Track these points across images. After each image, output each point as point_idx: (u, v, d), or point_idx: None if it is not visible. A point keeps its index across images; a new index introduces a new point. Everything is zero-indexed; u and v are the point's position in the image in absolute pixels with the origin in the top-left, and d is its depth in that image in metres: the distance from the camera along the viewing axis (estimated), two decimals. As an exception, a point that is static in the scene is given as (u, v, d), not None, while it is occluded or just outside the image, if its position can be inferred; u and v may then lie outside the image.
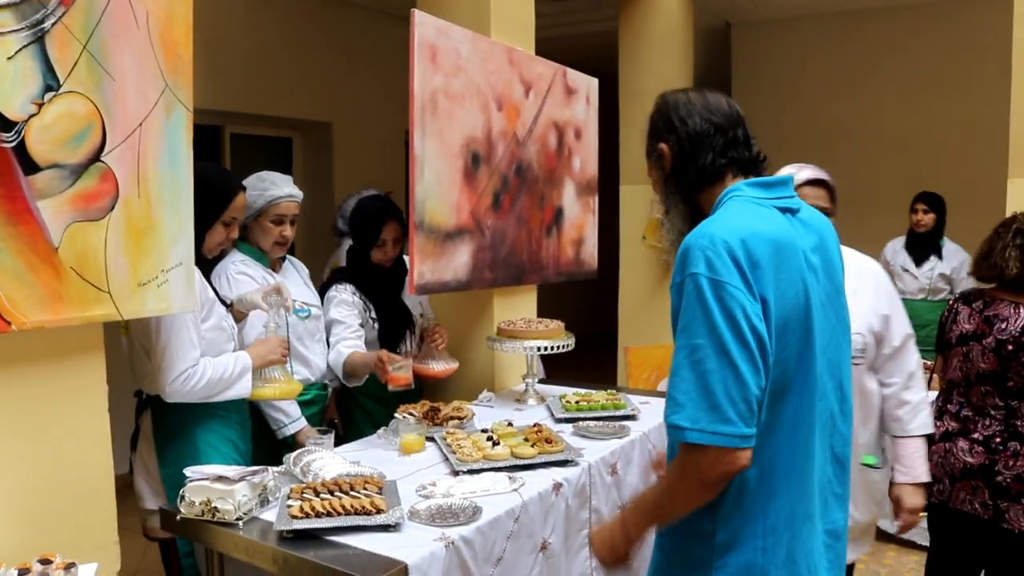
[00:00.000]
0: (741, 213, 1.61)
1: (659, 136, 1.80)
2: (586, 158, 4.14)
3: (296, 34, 6.56)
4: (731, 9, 7.92)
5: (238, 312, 2.81)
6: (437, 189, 3.08)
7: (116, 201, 2.00)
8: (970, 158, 6.99)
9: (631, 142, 6.17)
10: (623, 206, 6.30)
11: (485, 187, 3.36)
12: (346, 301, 3.25)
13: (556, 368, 4.40)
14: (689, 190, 1.78)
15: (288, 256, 3.21)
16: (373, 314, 3.29)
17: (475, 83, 3.28)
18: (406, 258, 3.30)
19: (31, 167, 1.82)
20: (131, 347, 2.57)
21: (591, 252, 4.28)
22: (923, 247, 5.25)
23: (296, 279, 3.17)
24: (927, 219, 5.20)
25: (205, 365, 2.48)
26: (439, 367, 3.33)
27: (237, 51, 6.06)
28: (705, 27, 7.78)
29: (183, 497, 2.12)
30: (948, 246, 5.21)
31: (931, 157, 7.26)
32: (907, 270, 5.31)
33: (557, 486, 2.42)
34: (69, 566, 1.71)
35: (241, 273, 2.93)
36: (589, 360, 5.89)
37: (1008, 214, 4.65)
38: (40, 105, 1.83)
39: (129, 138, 2.03)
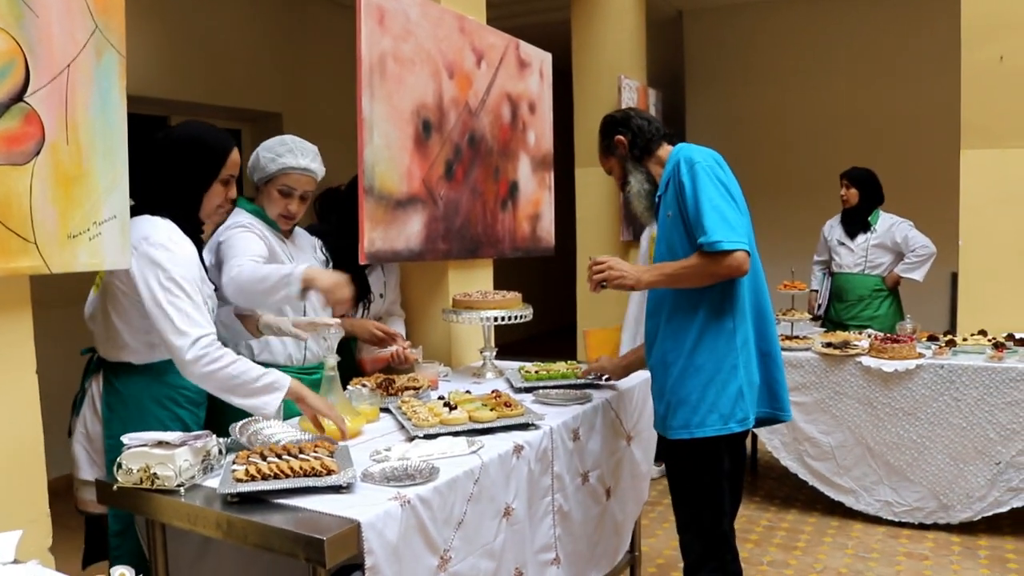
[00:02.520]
0: (700, 149, 2.55)
1: (611, 134, 2.73)
2: (541, 132, 4.07)
3: (246, 23, 6.43)
4: (682, -3, 7.95)
5: (253, 328, 2.66)
6: (387, 154, 2.98)
7: (42, 146, 1.88)
8: (922, 136, 7.07)
9: (586, 127, 6.12)
10: (579, 189, 6.24)
11: (437, 156, 3.26)
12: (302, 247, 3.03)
13: (516, 356, 4.32)
14: (643, 157, 2.69)
15: (299, 227, 3.02)
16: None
17: (425, 49, 3.19)
18: None
19: (-56, 103, 1.70)
20: (101, 305, 2.38)
21: (548, 228, 4.21)
22: (853, 222, 5.30)
23: (307, 247, 3.00)
24: (850, 195, 5.24)
25: (230, 353, 2.26)
26: (369, 361, 3.32)
27: (184, 40, 5.91)
28: (657, 16, 7.77)
29: (120, 465, 1.98)
30: (883, 219, 5.23)
31: (883, 137, 7.34)
32: (843, 243, 5.35)
33: (518, 448, 2.33)
34: (-13, 529, 1.58)
35: (242, 228, 2.70)
36: (548, 350, 5.83)
37: (962, 184, 4.70)
38: (-46, 38, 1.71)
39: (55, 80, 1.90)
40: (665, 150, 2.68)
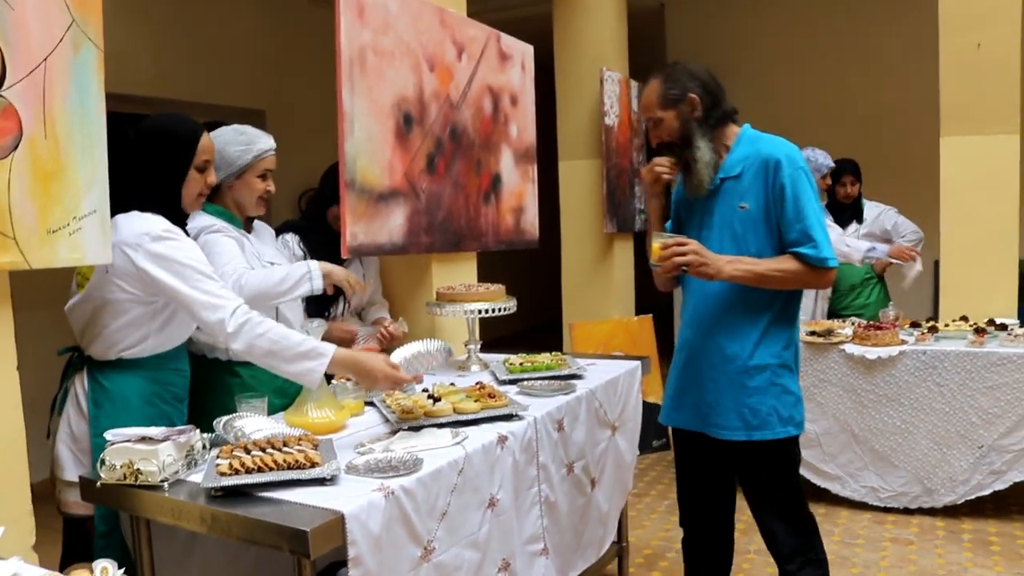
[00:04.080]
0: (791, 145, 2.48)
1: (684, 88, 2.46)
2: (523, 125, 4.07)
3: (228, 20, 6.40)
4: (665, -11, 7.95)
5: None
6: (368, 148, 2.98)
7: (20, 140, 1.87)
8: (904, 124, 7.09)
9: (569, 119, 6.13)
10: (563, 182, 6.25)
11: (419, 149, 3.26)
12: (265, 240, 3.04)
13: (500, 349, 4.32)
14: (713, 129, 2.49)
15: (257, 220, 3.01)
16: None
17: (405, 42, 3.18)
18: None
19: (-81, 99, 1.69)
20: (90, 305, 2.36)
21: (531, 221, 4.21)
22: (845, 213, 5.29)
23: (268, 240, 2.99)
24: (855, 189, 5.24)
25: (268, 320, 2.26)
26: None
27: (167, 38, 5.88)
28: (639, 8, 7.77)
29: (103, 461, 1.97)
30: (869, 208, 5.26)
31: (867, 126, 7.36)
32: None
33: (502, 439, 2.33)
34: (-30, 526, 1.57)
35: (217, 231, 2.70)
36: (534, 343, 5.84)
37: (943, 170, 4.73)
38: (-72, 33, 1.70)
39: (32, 74, 1.89)
40: (732, 130, 2.55)
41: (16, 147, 1.86)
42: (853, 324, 4.43)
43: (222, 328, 2.22)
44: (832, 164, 4.90)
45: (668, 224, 2.71)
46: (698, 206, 2.57)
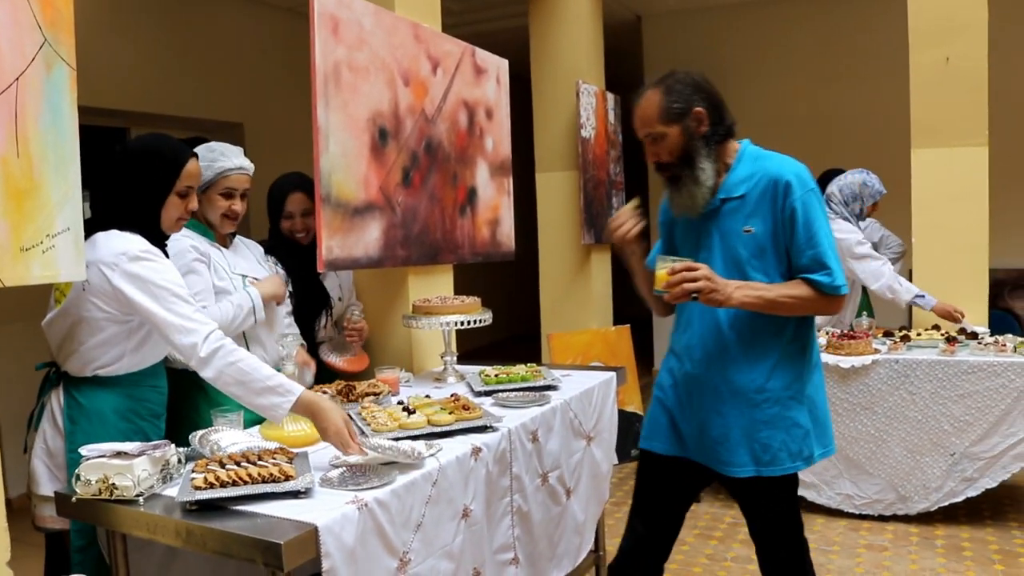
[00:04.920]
0: (798, 163, 2.35)
1: (689, 101, 2.31)
2: (499, 138, 4.10)
3: (204, 34, 6.41)
4: (641, 1, 8.01)
5: None
6: (343, 162, 3.00)
7: (-9, 160, 1.88)
8: (877, 136, 7.18)
9: (545, 132, 6.18)
10: (540, 194, 6.28)
11: (394, 163, 3.29)
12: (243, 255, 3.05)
13: (477, 361, 4.35)
14: (717, 145, 2.34)
15: (240, 236, 3.05)
16: (290, 288, 3.16)
17: (380, 57, 3.21)
18: None
19: None
20: (67, 322, 2.37)
21: (508, 233, 4.24)
22: None
23: (247, 255, 3.00)
24: None
25: (241, 349, 2.26)
26: (346, 364, 3.30)
27: (142, 50, 5.89)
28: (615, 20, 7.84)
29: (79, 476, 1.99)
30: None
31: (842, 138, 7.46)
32: None
33: (476, 451, 2.36)
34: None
35: (178, 239, 2.67)
36: (513, 355, 5.86)
37: (914, 182, 4.80)
38: (-99, 54, 1.71)
39: (4, 93, 1.91)
40: (733, 146, 2.40)
41: (-11, 166, 1.87)
42: (827, 334, 4.49)
43: (194, 352, 2.21)
44: (885, 191, 4.83)
45: (656, 247, 2.63)
46: (694, 227, 2.43)
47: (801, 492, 4.34)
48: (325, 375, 3.21)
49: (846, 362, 4.18)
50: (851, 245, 4.55)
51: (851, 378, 4.19)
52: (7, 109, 1.91)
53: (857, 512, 4.29)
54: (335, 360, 3.31)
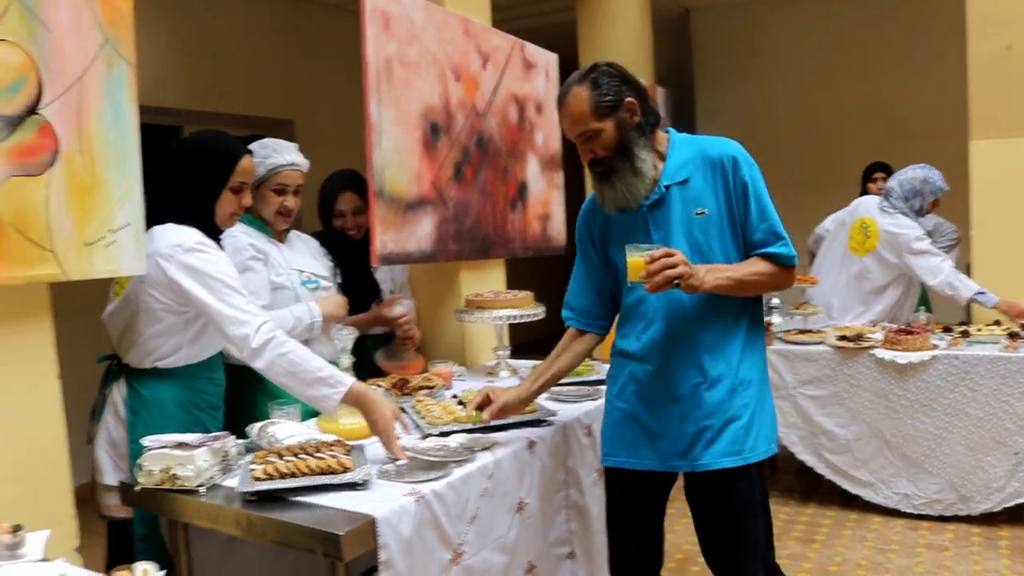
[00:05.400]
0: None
1: (619, 92, 2.19)
2: (548, 133, 4.10)
3: (255, 32, 6.50)
4: (689, -5, 7.97)
5: None
6: (396, 158, 3.02)
7: (56, 156, 1.92)
8: (932, 127, 7.03)
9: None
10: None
11: (446, 158, 3.30)
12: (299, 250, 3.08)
13: (529, 355, 4.35)
14: (651, 133, 2.24)
15: (296, 231, 3.06)
16: (340, 279, 3.19)
17: (431, 52, 3.22)
18: None
19: (-38, 117, 1.75)
20: (127, 313, 2.41)
21: (559, 228, 4.24)
22: None
23: (302, 250, 3.03)
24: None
25: (291, 341, 2.27)
26: (398, 367, 3.31)
27: (196, 49, 5.99)
28: (664, 14, 7.78)
29: (141, 466, 2.02)
30: None
31: (895, 130, 7.31)
32: None
33: (531, 444, 2.36)
34: (16, 528, 1.62)
35: (235, 236, 2.73)
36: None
37: (972, 174, 4.69)
38: (-30, 53, 1.76)
39: (68, 92, 1.95)
40: (661, 136, 2.29)
41: (53, 163, 1.91)
42: (883, 329, 4.40)
43: (246, 343, 2.23)
44: (947, 187, 4.64)
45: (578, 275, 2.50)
46: (635, 222, 2.27)
47: (857, 491, 4.28)
48: (377, 373, 3.24)
49: (903, 358, 4.09)
50: (909, 241, 4.46)
51: (908, 374, 4.10)
52: (71, 107, 1.95)
53: (915, 512, 4.19)
54: (391, 365, 3.32)
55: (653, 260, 2.02)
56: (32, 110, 1.87)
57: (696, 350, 2.23)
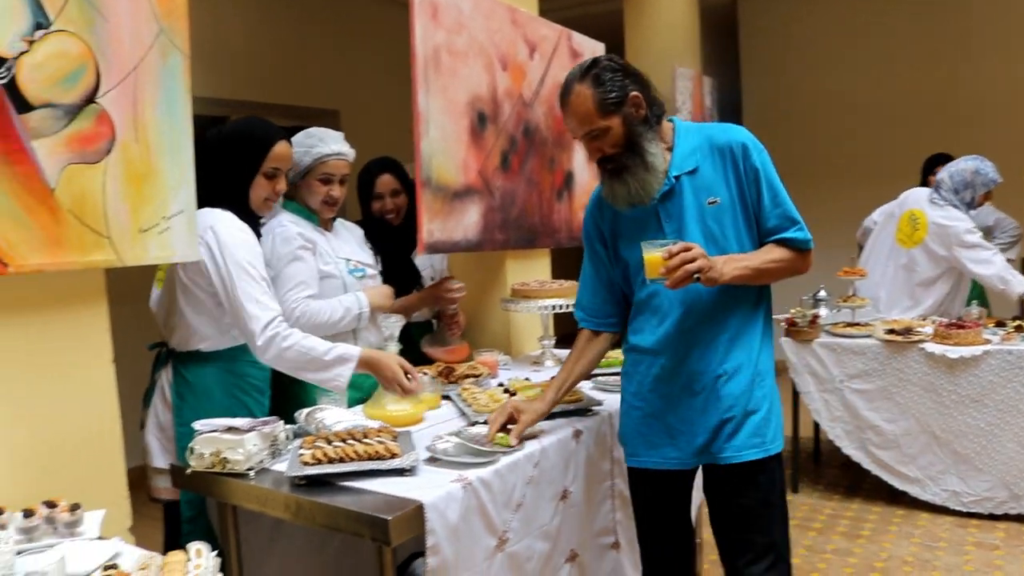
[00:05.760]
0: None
1: (623, 87, 2.12)
2: (595, 123, 4.08)
3: (300, 22, 6.55)
4: (737, -16, 7.87)
5: None
6: (443, 146, 3.03)
7: (113, 144, 1.96)
8: (987, 118, 6.86)
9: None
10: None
11: (492, 147, 3.30)
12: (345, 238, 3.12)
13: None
14: (658, 125, 2.18)
15: (341, 220, 3.08)
16: (380, 267, 3.21)
17: (478, 41, 3.22)
18: None
19: (24, 106, 1.79)
20: (169, 297, 2.49)
21: (604, 218, 4.23)
22: None
23: (349, 239, 3.04)
24: None
25: (297, 332, 2.37)
26: (443, 353, 3.32)
27: (241, 40, 6.05)
28: (711, 2, 7.70)
29: (192, 450, 2.06)
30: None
31: (948, 120, 7.14)
32: None
33: (577, 433, 2.36)
34: (74, 507, 1.66)
35: (285, 226, 2.78)
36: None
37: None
38: (31, 42, 1.80)
39: (124, 81, 1.98)
40: (667, 126, 2.24)
41: (110, 151, 1.95)
42: (934, 323, 4.33)
43: (252, 339, 2.34)
44: (999, 179, 4.58)
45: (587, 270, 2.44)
46: (645, 217, 2.21)
47: (904, 487, 4.22)
48: (424, 360, 3.26)
49: (954, 352, 4.02)
50: (960, 233, 4.38)
51: (959, 369, 4.03)
52: (127, 96, 1.99)
53: (965, 510, 4.12)
54: (436, 352, 3.34)
55: (671, 255, 1.97)
56: (90, 99, 1.91)
57: (716, 342, 2.19)
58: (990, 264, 4.35)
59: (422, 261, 3.46)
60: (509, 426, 2.23)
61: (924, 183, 5.25)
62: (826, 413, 4.36)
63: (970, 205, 4.55)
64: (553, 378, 2.44)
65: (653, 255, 2.00)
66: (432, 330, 3.46)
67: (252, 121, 2.58)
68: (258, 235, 2.54)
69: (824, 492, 4.59)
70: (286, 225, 2.75)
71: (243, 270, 2.33)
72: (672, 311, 2.21)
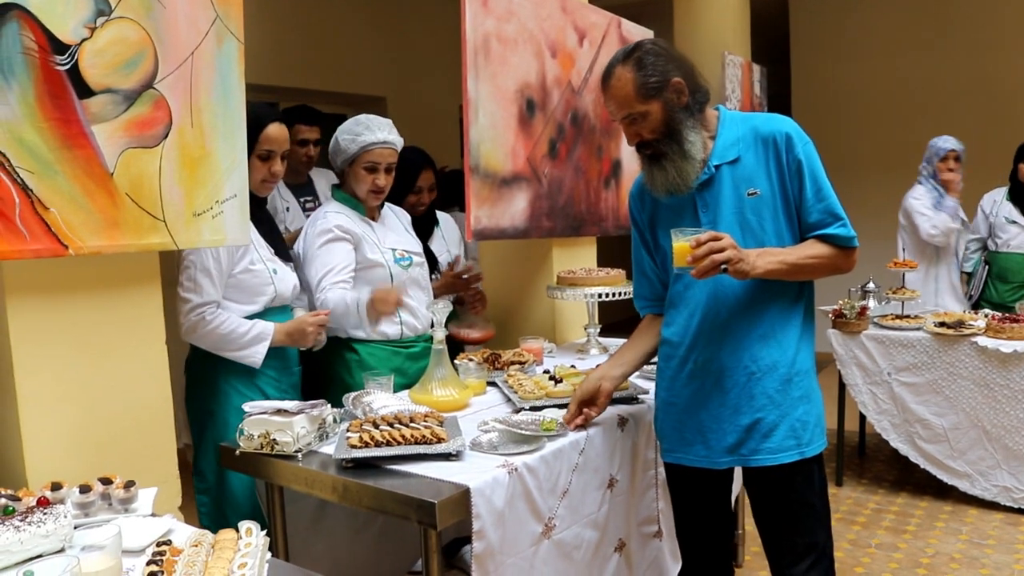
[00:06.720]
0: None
1: (664, 72, 2.07)
2: (643, 110, 4.06)
3: (349, 9, 6.58)
4: (788, -31, 7.74)
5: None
6: (492, 133, 3.04)
7: (170, 129, 1.99)
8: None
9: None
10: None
11: (541, 134, 3.30)
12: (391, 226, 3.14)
13: (619, 333, 4.33)
14: (700, 113, 2.13)
15: (388, 204, 3.07)
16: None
17: (528, 29, 3.22)
18: (438, 213, 3.54)
19: (85, 91, 1.82)
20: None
21: (650, 207, 4.21)
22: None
23: (396, 226, 3.04)
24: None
25: (222, 314, 2.43)
26: (476, 333, 3.33)
27: (290, 27, 6.10)
28: (762, -12, 7.60)
29: (242, 431, 2.10)
30: None
31: (1006, 110, 6.96)
32: (1014, 221, 5.04)
33: (622, 421, 2.36)
34: (129, 484, 1.70)
35: (325, 216, 2.81)
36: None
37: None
38: (93, 29, 1.83)
39: (181, 67, 2.01)
40: (712, 113, 2.19)
41: (166, 136, 1.98)
42: (986, 316, 4.25)
43: (180, 318, 2.41)
44: (949, 147, 4.89)
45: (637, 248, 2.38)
46: (684, 204, 2.17)
47: (953, 482, 4.16)
48: (459, 346, 3.29)
49: (1007, 346, 3.94)
50: (907, 199, 4.92)
51: (1012, 364, 3.96)
52: (183, 81, 2.02)
53: (1015, 506, 4.05)
54: (464, 333, 3.34)
55: (699, 244, 1.93)
56: (148, 85, 1.94)
57: (748, 338, 2.12)
58: (924, 216, 4.82)
59: (438, 246, 3.47)
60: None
61: (1015, 171, 5.10)
62: (873, 406, 4.31)
63: (935, 179, 4.88)
64: (615, 353, 2.45)
65: (681, 243, 1.97)
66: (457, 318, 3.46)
67: (251, 105, 2.57)
68: (260, 217, 2.59)
69: (869, 486, 4.54)
70: (327, 215, 2.78)
71: (188, 254, 2.39)
72: (700, 305, 2.16)
